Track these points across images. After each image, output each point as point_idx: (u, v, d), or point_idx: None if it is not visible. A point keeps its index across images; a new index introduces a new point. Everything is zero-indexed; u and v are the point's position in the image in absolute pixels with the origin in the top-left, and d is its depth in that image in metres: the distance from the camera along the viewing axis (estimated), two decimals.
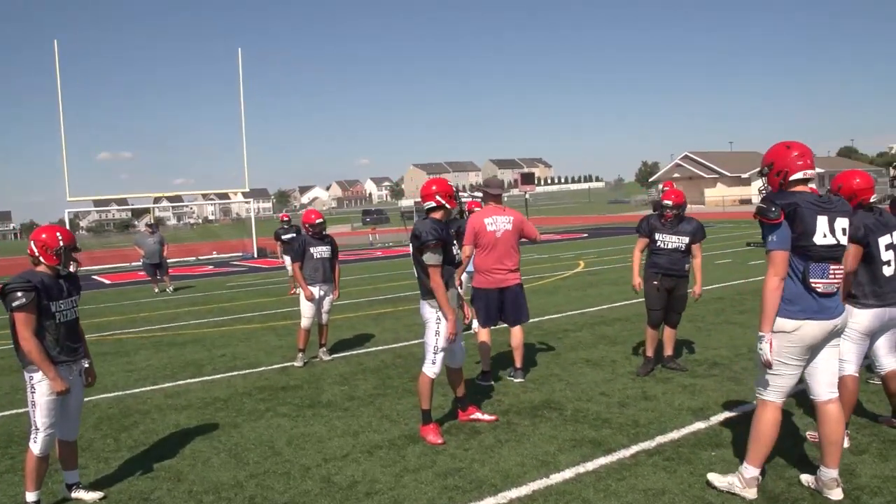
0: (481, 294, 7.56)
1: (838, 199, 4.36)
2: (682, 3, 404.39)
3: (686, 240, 7.66)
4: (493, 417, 6.30)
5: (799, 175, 4.29)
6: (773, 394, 4.42)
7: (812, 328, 4.23)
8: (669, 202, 7.70)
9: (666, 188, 8.28)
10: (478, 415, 6.32)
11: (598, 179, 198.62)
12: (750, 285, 13.93)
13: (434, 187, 5.99)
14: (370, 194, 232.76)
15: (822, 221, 4.20)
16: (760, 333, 4.29)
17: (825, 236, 4.19)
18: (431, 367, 5.89)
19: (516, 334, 7.71)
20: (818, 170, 65.75)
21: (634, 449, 5.45)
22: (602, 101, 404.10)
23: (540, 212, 73.47)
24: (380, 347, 9.80)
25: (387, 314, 12.88)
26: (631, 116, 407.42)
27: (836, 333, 4.38)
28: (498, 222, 7.52)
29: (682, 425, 5.91)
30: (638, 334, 9.58)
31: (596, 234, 37.27)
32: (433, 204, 5.97)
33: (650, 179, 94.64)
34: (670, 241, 7.70)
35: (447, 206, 5.98)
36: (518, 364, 7.73)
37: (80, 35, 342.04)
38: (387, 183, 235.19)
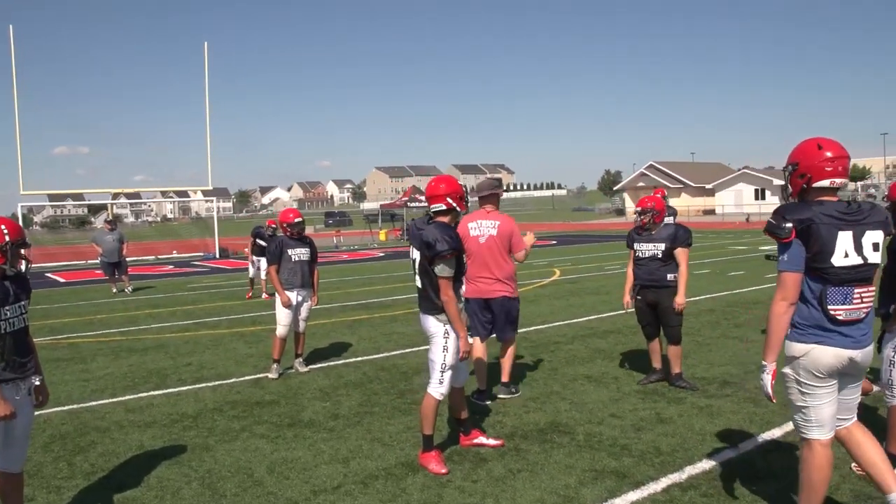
0: (469, 304, 6.83)
1: (871, 209, 3.70)
2: (643, 13, 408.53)
3: (662, 246, 7.14)
4: (498, 442, 5.65)
5: (825, 183, 3.67)
6: (815, 430, 3.78)
7: (823, 354, 3.67)
8: (639, 207, 7.34)
9: (658, 195, 7.78)
10: (482, 439, 5.66)
11: (560, 187, 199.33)
12: (738, 297, 13.55)
13: (443, 186, 5.31)
14: (332, 196, 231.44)
15: (844, 238, 3.60)
16: (763, 363, 3.74)
17: (846, 256, 3.60)
18: (438, 388, 5.22)
19: (504, 348, 7.17)
20: (779, 181, 66.98)
21: (665, 482, 4.85)
22: (564, 109, 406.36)
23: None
24: (360, 358, 9.09)
25: (362, 321, 12.18)
26: (593, 125, 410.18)
27: (857, 368, 3.76)
28: (482, 227, 6.87)
29: (709, 454, 5.33)
30: (633, 348, 9.09)
31: (564, 241, 37.06)
32: (442, 206, 5.29)
33: (614, 188, 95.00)
34: (647, 249, 7.24)
35: (458, 208, 5.32)
36: (504, 378, 7.10)
37: (38, 21, 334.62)
38: (349, 185, 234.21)
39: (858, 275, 3.63)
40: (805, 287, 3.67)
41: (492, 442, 5.63)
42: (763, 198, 67.20)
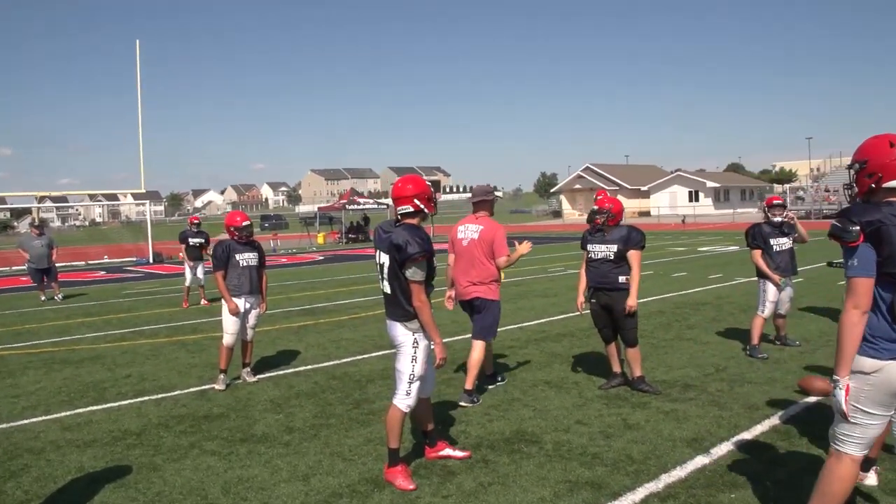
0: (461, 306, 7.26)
1: None
2: (577, 17, 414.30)
3: (614, 248, 7.01)
4: (465, 454, 5.40)
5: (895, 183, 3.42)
6: (853, 446, 3.56)
7: None
8: (595, 207, 7.24)
9: (600, 196, 7.66)
10: (448, 451, 5.40)
11: (496, 189, 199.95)
12: (685, 298, 13.57)
13: (410, 187, 5.02)
14: (266, 199, 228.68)
15: None
16: (836, 377, 3.44)
17: None
18: (405, 400, 4.94)
19: (473, 351, 6.98)
20: (712, 183, 68.51)
21: (642, 492, 4.68)
22: (499, 111, 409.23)
23: (442, 220, 72.97)
24: (310, 367, 8.74)
25: (308, 327, 11.81)
26: (528, 127, 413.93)
27: None
28: (468, 231, 7.14)
29: (683, 461, 5.19)
30: (589, 351, 8.97)
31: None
32: (409, 209, 5.02)
33: (551, 190, 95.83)
34: (599, 250, 7.11)
35: (425, 210, 5.06)
36: (468, 385, 6.88)
37: None
38: (284, 188, 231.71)
39: None
40: (875, 294, 3.40)
41: (459, 454, 5.39)
42: (697, 200, 68.62)
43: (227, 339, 7.87)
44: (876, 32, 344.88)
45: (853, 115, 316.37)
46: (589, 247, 7.20)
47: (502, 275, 7.28)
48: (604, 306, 7.13)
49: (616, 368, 7.32)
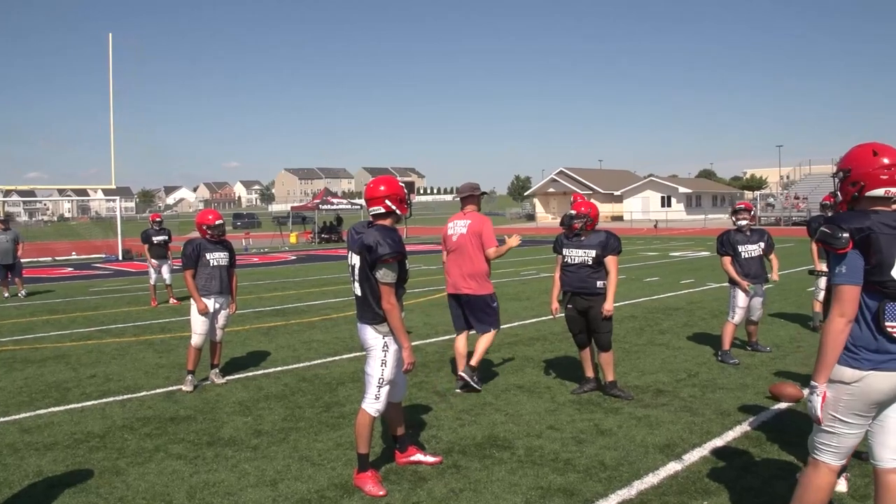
0: (448, 299, 7.55)
1: None
2: (550, 19, 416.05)
3: (592, 253, 6.99)
4: (436, 459, 5.33)
5: (879, 192, 3.41)
6: (830, 455, 3.53)
7: (879, 381, 3.35)
8: (573, 211, 7.15)
9: (577, 199, 7.62)
10: (419, 456, 5.32)
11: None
12: (657, 303, 13.61)
13: (382, 188, 4.94)
14: (239, 197, 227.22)
15: None
16: (813, 383, 3.42)
17: None
18: (374, 404, 4.86)
19: (482, 339, 7.39)
20: (684, 189, 69.08)
21: (614, 499, 4.63)
22: (474, 114, 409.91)
23: (416, 221, 72.89)
24: (279, 368, 8.62)
25: (279, 328, 11.66)
26: (503, 130, 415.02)
27: None
28: (457, 227, 7.42)
29: (655, 467, 5.15)
30: (562, 356, 8.94)
31: None
32: (381, 210, 4.94)
33: (525, 194, 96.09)
34: (576, 255, 7.07)
35: (398, 211, 4.97)
36: (473, 361, 7.33)
37: None
38: (257, 186, 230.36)
39: None
40: (860, 303, 3.36)
41: (430, 459, 5.31)
42: (669, 205, 69.12)
43: (196, 339, 7.72)
44: (845, 42, 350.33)
45: (823, 123, 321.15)
46: (565, 251, 7.15)
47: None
48: (580, 311, 7.09)
49: (589, 373, 7.28)
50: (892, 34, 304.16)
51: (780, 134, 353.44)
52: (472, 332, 7.51)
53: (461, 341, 7.49)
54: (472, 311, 7.36)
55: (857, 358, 3.37)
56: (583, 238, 7.07)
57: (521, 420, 6.35)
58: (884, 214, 3.37)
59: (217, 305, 7.84)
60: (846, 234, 3.32)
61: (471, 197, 7.49)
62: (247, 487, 4.92)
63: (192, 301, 7.77)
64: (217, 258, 7.83)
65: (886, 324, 3.32)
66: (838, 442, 3.48)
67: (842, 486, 4.66)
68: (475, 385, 7.25)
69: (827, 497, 3.55)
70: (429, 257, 28.22)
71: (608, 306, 6.95)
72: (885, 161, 3.40)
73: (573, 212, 7.16)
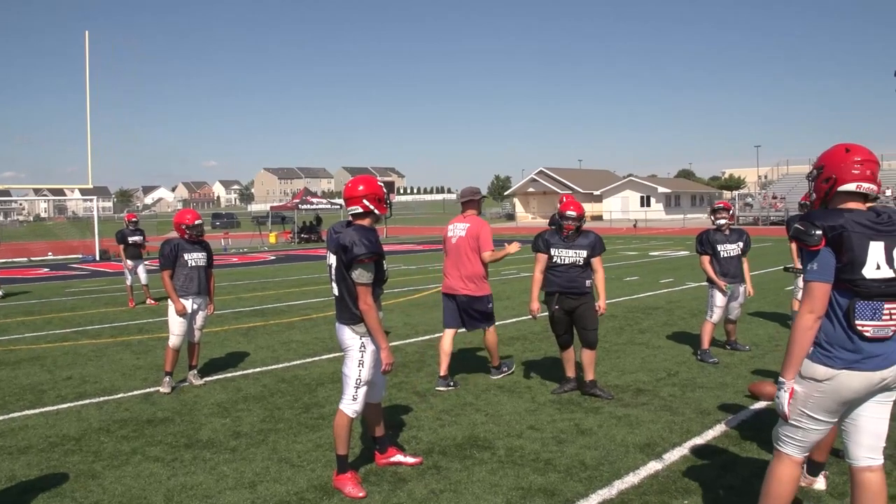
0: (443, 298, 7.78)
1: None
2: (530, 19, 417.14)
3: (584, 254, 7.00)
4: (416, 460, 5.30)
5: (851, 186, 3.42)
6: (793, 448, 3.58)
7: (850, 380, 3.37)
8: (572, 213, 7.05)
9: (564, 199, 7.60)
10: (399, 457, 5.29)
11: (450, 191, 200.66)
12: (637, 302, 13.67)
13: (361, 188, 4.90)
14: (218, 197, 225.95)
15: (875, 249, 3.31)
16: (781, 380, 3.45)
17: (878, 268, 3.30)
18: (352, 405, 4.83)
19: (487, 335, 7.78)
20: (663, 189, 69.41)
21: (595, 498, 4.64)
22: (454, 113, 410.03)
23: (396, 221, 72.82)
24: (258, 369, 8.56)
25: (258, 328, 11.59)
26: (483, 130, 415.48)
27: (886, 388, 3.46)
28: (456, 229, 7.63)
29: (635, 467, 5.16)
30: (542, 355, 8.95)
31: None
32: (359, 209, 4.90)
33: (505, 193, 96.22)
34: (567, 255, 7.04)
35: (376, 211, 4.94)
36: (494, 362, 7.93)
37: None
38: (236, 186, 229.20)
39: (889, 289, 3.33)
40: (832, 301, 3.38)
41: (410, 460, 5.28)
42: (648, 205, 69.49)
43: (174, 340, 7.65)
44: (824, 43, 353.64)
45: (800, 124, 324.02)
46: (554, 251, 7.08)
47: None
48: (567, 311, 7.07)
49: (570, 373, 7.28)
50: (870, 35, 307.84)
51: (759, 134, 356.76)
52: (462, 329, 7.70)
53: (447, 339, 7.64)
54: (467, 311, 7.55)
55: (831, 356, 3.39)
56: (571, 238, 7.05)
57: (502, 420, 6.34)
58: (857, 213, 3.39)
59: (195, 306, 7.78)
60: (819, 232, 3.34)
61: (471, 201, 7.71)
62: (225, 490, 4.88)
63: (169, 302, 7.70)
64: (195, 258, 7.76)
65: (857, 322, 3.34)
66: (803, 436, 3.53)
67: (821, 484, 4.69)
68: (506, 369, 8.00)
69: (792, 488, 3.59)
70: (409, 257, 28.20)
71: (603, 304, 7.11)
72: (857, 158, 3.43)
73: (572, 213, 7.06)
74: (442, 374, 7.51)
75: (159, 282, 7.84)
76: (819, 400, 3.43)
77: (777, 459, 3.64)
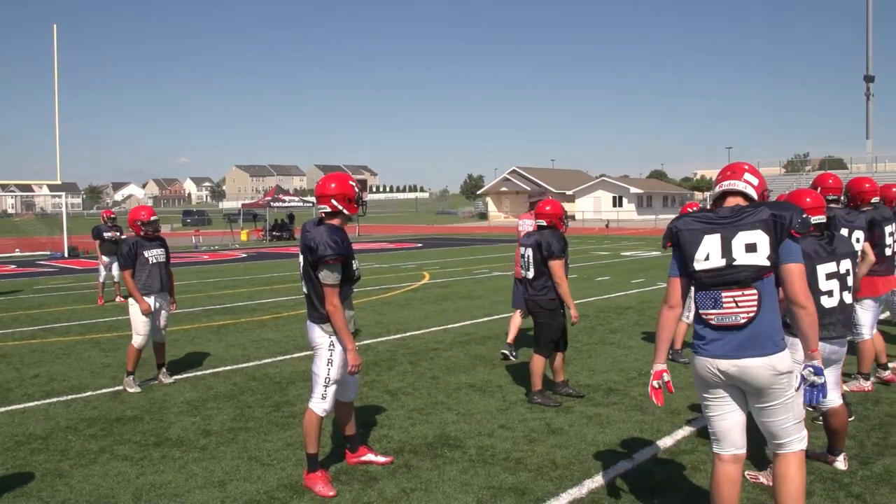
0: (514, 281, 8.95)
1: (755, 209, 3.54)
2: (504, 19, 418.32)
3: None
4: (387, 459, 5.30)
5: (717, 189, 3.80)
6: (714, 443, 3.79)
7: (699, 364, 3.68)
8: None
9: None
10: (370, 456, 5.29)
11: (423, 190, 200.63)
12: (608, 302, 13.72)
13: (332, 186, 4.85)
14: (189, 194, 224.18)
15: (708, 241, 3.57)
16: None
17: (707, 259, 3.56)
18: (321, 404, 4.82)
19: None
20: (635, 189, 69.89)
21: (565, 498, 4.66)
22: (427, 112, 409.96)
23: (368, 220, 72.67)
24: (229, 367, 8.50)
25: (228, 326, 11.51)
26: (456, 129, 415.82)
27: (744, 383, 3.58)
28: (525, 224, 8.81)
29: (606, 466, 5.19)
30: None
31: (430, 244, 37.21)
32: (328, 209, 4.87)
33: (477, 192, 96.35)
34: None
35: (345, 211, 4.91)
36: (510, 338, 8.86)
37: None
38: (207, 183, 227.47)
39: (723, 278, 3.52)
40: (693, 294, 3.74)
41: (381, 459, 5.28)
42: (620, 205, 69.94)
43: (139, 340, 7.54)
44: (793, 47, 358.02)
45: (771, 127, 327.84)
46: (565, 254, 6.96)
47: None
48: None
49: (540, 385, 6.93)
50: (840, 39, 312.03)
51: (730, 136, 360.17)
52: None
53: (518, 316, 8.85)
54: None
55: (694, 344, 3.70)
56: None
57: (473, 419, 6.35)
58: (696, 212, 3.74)
59: (158, 304, 7.68)
60: (666, 234, 3.76)
61: (538, 201, 8.11)
62: (194, 489, 4.85)
63: (130, 301, 7.59)
64: (155, 255, 7.65)
65: (701, 311, 3.63)
66: (710, 426, 3.78)
67: (840, 463, 5.02)
68: (513, 357, 8.70)
69: (726, 489, 3.70)
70: (381, 256, 28.16)
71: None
72: (727, 168, 3.85)
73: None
74: (509, 340, 8.77)
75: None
76: (695, 383, 3.80)
77: (714, 458, 3.82)
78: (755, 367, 3.49)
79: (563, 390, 7.06)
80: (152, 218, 7.79)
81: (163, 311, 7.79)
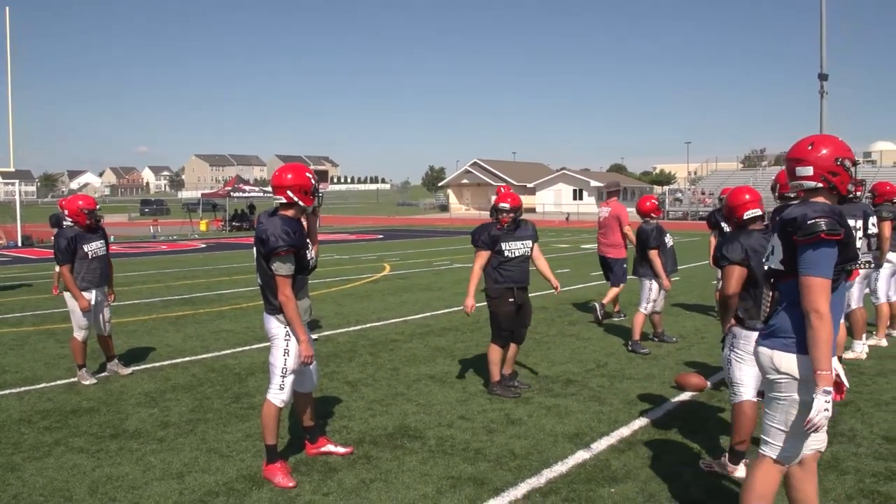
0: (599, 258, 11.19)
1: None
2: (467, 13, 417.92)
3: (529, 244, 6.96)
4: (347, 450, 5.30)
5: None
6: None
7: None
8: (506, 205, 6.88)
9: (501, 191, 7.58)
10: (329, 447, 5.29)
11: (384, 181, 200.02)
12: (567, 294, 13.79)
13: (288, 177, 4.80)
14: (148, 183, 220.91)
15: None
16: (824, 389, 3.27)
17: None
18: (279, 395, 4.80)
19: (609, 293, 10.76)
20: (596, 182, 70.41)
21: (524, 487, 4.70)
22: (389, 104, 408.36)
23: (329, 210, 72.33)
24: (188, 358, 8.42)
25: (187, 317, 11.39)
26: (417, 121, 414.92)
27: None
28: (603, 211, 11.04)
29: (564, 456, 5.25)
30: (473, 346, 9.01)
31: (391, 235, 37.16)
32: (283, 200, 4.84)
33: (439, 184, 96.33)
34: (517, 248, 6.88)
35: (300, 203, 4.87)
36: (616, 308, 11.39)
37: None
38: (166, 172, 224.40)
39: None
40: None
41: (340, 450, 5.28)
42: (581, 198, 70.42)
43: (81, 334, 7.34)
44: (750, 42, 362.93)
45: (728, 122, 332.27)
46: (505, 245, 6.83)
47: (628, 240, 10.49)
48: (520, 304, 6.97)
49: (498, 377, 6.96)
50: (798, 36, 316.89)
51: (689, 131, 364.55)
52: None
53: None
54: (611, 269, 10.83)
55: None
56: (515, 230, 6.91)
57: (433, 410, 6.38)
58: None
59: (100, 298, 7.51)
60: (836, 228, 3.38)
61: (615, 191, 11.16)
62: (152, 481, 4.80)
63: (67, 295, 7.38)
64: (95, 249, 7.45)
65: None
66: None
67: (741, 471, 4.83)
68: (599, 317, 10.32)
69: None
70: (342, 247, 28.05)
71: (557, 283, 7.31)
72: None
73: (505, 205, 6.87)
74: (609, 302, 10.73)
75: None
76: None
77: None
78: None
79: (513, 382, 7.01)
80: (97, 206, 7.64)
81: (105, 308, 7.60)
